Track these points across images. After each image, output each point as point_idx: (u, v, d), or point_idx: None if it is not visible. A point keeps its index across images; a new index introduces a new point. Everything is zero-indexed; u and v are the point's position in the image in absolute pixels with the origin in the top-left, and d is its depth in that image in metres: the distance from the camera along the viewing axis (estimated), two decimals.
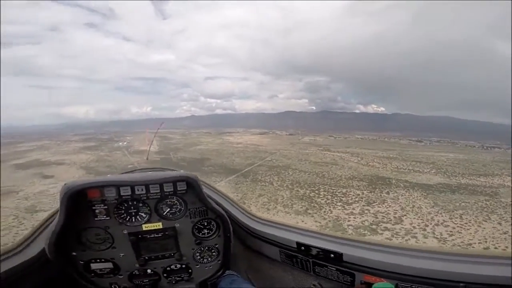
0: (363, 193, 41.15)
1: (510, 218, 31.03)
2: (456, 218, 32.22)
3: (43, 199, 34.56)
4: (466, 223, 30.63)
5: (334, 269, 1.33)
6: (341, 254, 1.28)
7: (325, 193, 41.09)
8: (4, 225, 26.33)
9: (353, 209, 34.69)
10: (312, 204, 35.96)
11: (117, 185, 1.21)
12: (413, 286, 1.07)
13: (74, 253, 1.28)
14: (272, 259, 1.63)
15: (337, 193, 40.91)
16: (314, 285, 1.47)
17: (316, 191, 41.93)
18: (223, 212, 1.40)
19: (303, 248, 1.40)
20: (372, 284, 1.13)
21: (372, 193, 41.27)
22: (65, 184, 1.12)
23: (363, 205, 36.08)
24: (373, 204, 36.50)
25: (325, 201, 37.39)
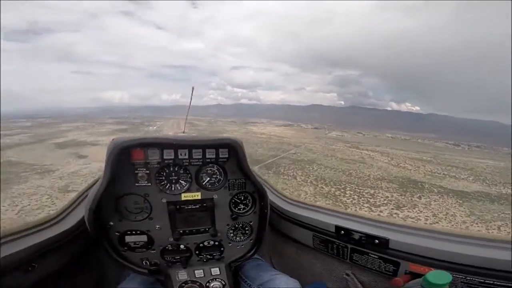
0: (392, 196, 39.01)
1: None
2: (494, 229, 30.31)
3: (75, 180, 36.70)
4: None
5: (376, 257, 1.20)
6: (388, 240, 1.15)
7: (351, 192, 39.51)
8: (37, 204, 28.14)
9: (381, 211, 32.93)
10: (337, 203, 34.58)
11: (163, 146, 1.14)
12: (468, 278, 0.95)
13: (111, 223, 1.17)
14: (302, 243, 1.54)
15: (364, 194, 39.17)
16: (347, 274, 1.35)
17: (342, 190, 40.38)
18: (262, 185, 1.29)
19: (342, 232, 1.29)
20: (418, 274, 1.04)
21: (402, 197, 39.05)
22: (112, 140, 1.05)
23: (392, 209, 34.18)
24: (403, 208, 34.47)
25: (351, 201, 35.90)
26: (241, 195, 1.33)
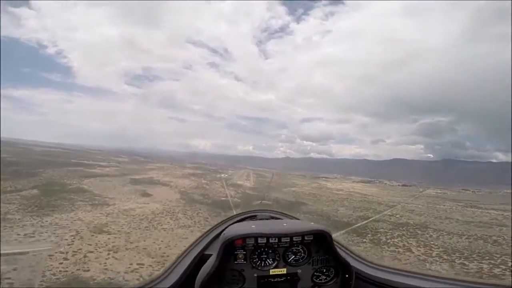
0: None
1: None
2: None
3: (120, 220, 31.62)
4: None
5: None
6: None
7: None
8: (46, 242, 22.32)
9: None
10: None
11: (264, 236, 1.42)
12: None
13: None
14: None
15: None
16: None
17: (496, 264, 26.26)
18: (348, 262, 1.46)
19: None
20: None
21: None
22: (224, 234, 1.40)
23: None
24: None
25: None
26: (323, 268, 1.51)
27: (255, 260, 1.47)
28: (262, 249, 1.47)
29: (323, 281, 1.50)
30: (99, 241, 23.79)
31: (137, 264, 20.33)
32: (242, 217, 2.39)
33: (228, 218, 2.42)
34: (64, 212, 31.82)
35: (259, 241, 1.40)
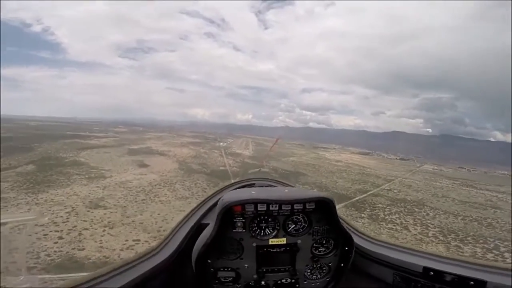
0: None
1: None
2: None
3: (117, 193, 31.16)
4: None
5: None
6: (485, 282, 1.11)
7: None
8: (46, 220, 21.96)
9: None
10: None
11: (265, 203, 1.35)
12: None
13: (209, 261, 1.39)
14: (381, 281, 1.53)
15: None
16: None
17: (489, 248, 26.24)
18: (350, 234, 1.43)
19: (432, 273, 1.28)
20: None
21: None
22: (222, 200, 1.32)
23: None
24: None
25: None
26: (323, 239, 1.47)
27: (254, 229, 1.41)
28: (262, 217, 1.40)
29: (322, 253, 1.48)
30: (94, 216, 23.52)
31: (133, 240, 20.16)
32: (240, 185, 2.32)
33: (225, 186, 2.32)
34: (60, 187, 31.38)
35: (259, 208, 1.34)
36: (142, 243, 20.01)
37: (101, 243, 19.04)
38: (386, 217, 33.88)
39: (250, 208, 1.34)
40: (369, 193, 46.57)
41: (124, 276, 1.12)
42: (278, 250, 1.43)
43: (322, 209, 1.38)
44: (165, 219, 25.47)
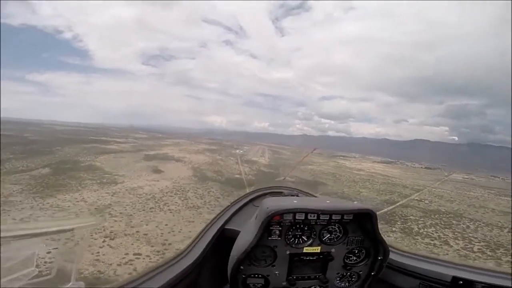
0: None
1: None
2: None
3: (125, 200, 29.88)
4: None
5: None
6: None
7: None
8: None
9: None
10: None
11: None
12: None
13: (241, 267, 1.36)
14: None
15: None
16: None
17: None
18: (387, 246, 1.41)
19: (461, 282, 1.31)
20: None
21: None
22: (266, 208, 1.29)
23: None
24: None
25: None
26: (356, 248, 1.46)
27: (289, 237, 1.39)
28: (298, 226, 1.38)
29: (353, 262, 1.47)
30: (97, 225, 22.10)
31: (133, 254, 18.28)
32: (267, 191, 2.34)
33: (249, 193, 2.35)
34: (69, 192, 30.72)
35: (297, 217, 1.32)
36: (143, 258, 18.03)
37: (97, 255, 17.37)
38: (421, 231, 30.41)
39: (288, 217, 1.31)
40: (398, 204, 42.57)
41: (161, 276, 1.18)
42: (311, 258, 1.41)
43: (360, 220, 1.37)
44: (172, 231, 23.50)
